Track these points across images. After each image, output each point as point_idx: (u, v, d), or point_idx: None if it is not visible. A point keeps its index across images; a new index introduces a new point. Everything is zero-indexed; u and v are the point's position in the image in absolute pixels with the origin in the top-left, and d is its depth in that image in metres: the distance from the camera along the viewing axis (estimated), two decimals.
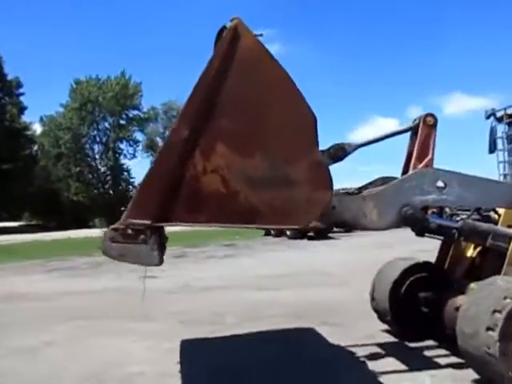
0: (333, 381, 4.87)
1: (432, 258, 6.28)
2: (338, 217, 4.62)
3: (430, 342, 5.79)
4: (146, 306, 8.14)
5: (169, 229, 3.99)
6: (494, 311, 4.06)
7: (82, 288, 11.49)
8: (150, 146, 61.55)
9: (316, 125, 3.84)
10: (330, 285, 10.54)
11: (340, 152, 4.82)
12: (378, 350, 5.68)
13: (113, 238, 3.52)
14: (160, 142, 63.45)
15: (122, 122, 61.42)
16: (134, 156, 62.18)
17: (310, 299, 8.89)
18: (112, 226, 3.58)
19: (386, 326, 6.40)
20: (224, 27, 3.97)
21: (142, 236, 3.48)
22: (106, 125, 61.31)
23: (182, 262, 16.30)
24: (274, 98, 3.71)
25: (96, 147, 61.63)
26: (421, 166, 5.11)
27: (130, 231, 3.47)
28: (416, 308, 5.78)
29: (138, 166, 66.06)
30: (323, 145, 4.37)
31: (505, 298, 4.08)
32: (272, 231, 25.19)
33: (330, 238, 23.85)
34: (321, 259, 15.37)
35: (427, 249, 12.77)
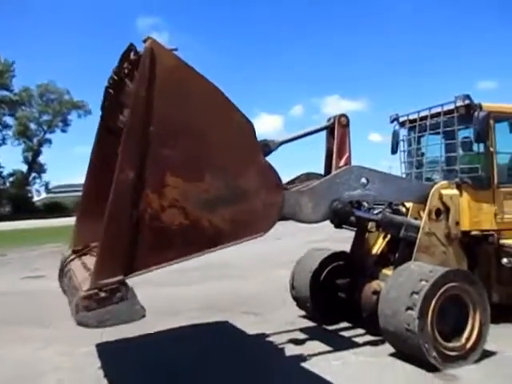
0: (267, 367, 5.08)
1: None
2: None
3: (345, 324, 6.36)
4: (48, 308, 7.64)
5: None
6: (413, 293, 4.65)
7: None
8: (23, 132, 55.31)
9: (254, 131, 3.91)
10: (239, 276, 10.80)
11: (265, 148, 5.01)
12: (301, 334, 6.05)
13: (87, 306, 3.11)
14: (34, 127, 57.47)
15: None
16: (2, 142, 55.40)
17: (224, 291, 9.06)
18: (83, 295, 3.16)
19: (303, 312, 6.84)
20: (131, 46, 3.76)
21: (119, 294, 3.17)
22: None
23: None
24: (208, 115, 3.64)
25: None
26: (341, 163, 5.60)
27: (103, 294, 3.12)
28: (334, 294, 6.30)
29: (8, 154, 59.03)
30: None
31: (420, 280, 4.71)
32: None
33: None
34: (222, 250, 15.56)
35: (315, 239, 13.78)
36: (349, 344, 5.61)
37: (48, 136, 57.80)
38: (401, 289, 4.82)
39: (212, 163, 3.64)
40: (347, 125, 5.68)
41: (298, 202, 4.89)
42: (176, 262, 3.52)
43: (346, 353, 5.30)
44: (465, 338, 4.83)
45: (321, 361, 5.10)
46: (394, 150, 7.21)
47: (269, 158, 5.17)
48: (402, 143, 7.10)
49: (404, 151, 7.04)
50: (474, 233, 6.03)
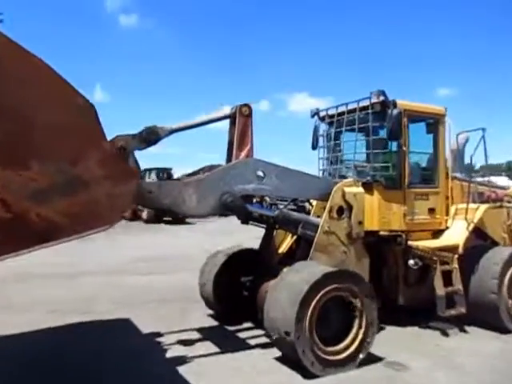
0: (142, 368, 4.76)
1: None
2: (155, 202, 4.52)
3: (249, 324, 6.08)
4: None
5: None
6: (291, 297, 4.36)
7: None
8: None
9: (97, 115, 3.45)
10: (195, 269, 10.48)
11: (152, 136, 4.69)
12: (195, 334, 5.73)
13: None
14: None
15: None
16: None
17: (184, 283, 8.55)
18: None
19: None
20: None
21: None
22: None
23: None
24: (37, 96, 3.16)
25: None
26: (242, 155, 5.30)
27: None
28: (238, 293, 6.02)
29: None
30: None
31: (300, 283, 4.41)
32: (126, 214, 23.76)
33: (187, 222, 23.67)
34: (182, 243, 15.23)
35: None
36: (239, 346, 5.31)
37: None
38: (282, 292, 4.56)
39: (41, 149, 3.21)
40: (250, 115, 5.37)
41: (181, 194, 4.59)
42: None
43: (227, 356, 5.01)
44: (349, 340, 4.60)
45: (200, 364, 4.79)
46: (314, 146, 6.96)
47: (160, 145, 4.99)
48: (321, 139, 6.86)
49: (322, 147, 6.80)
50: (382, 233, 5.84)
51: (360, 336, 4.62)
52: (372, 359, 4.75)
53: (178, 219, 22.60)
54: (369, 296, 4.69)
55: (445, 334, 5.77)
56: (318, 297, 4.37)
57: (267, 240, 6.28)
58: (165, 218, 22.90)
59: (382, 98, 5.73)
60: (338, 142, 6.64)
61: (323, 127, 6.85)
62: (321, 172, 6.72)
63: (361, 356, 4.61)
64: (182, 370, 4.60)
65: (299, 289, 4.35)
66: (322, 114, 6.75)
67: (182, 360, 4.84)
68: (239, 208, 4.90)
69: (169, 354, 5.07)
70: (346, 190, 5.44)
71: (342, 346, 4.56)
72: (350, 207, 5.43)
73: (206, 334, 5.74)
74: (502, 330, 5.77)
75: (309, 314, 4.33)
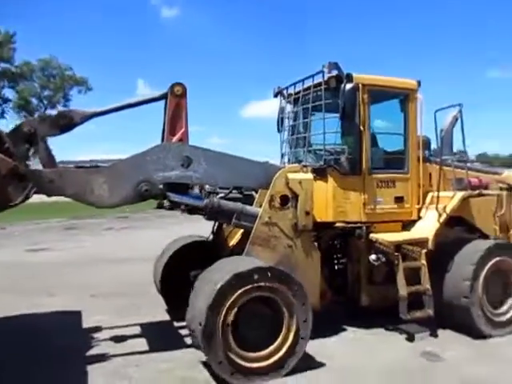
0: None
1: None
2: (58, 191, 4.15)
3: None
4: (48, 280, 8.18)
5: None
6: (205, 300, 3.88)
7: None
8: (23, 106, 55.19)
9: None
10: None
11: (64, 120, 4.34)
12: (133, 330, 5.43)
13: None
14: (35, 102, 57.43)
15: None
16: (1, 116, 55.22)
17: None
18: None
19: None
20: None
21: None
22: None
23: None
24: None
25: None
26: (174, 140, 4.83)
27: None
28: (188, 288, 5.60)
29: (8, 128, 58.36)
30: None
31: (215, 283, 3.92)
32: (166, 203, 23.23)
33: None
34: None
35: None
36: (177, 344, 4.93)
37: (49, 111, 57.41)
38: (199, 291, 4.12)
39: None
40: (183, 95, 4.87)
41: (89, 183, 4.20)
42: None
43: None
44: (275, 347, 4.07)
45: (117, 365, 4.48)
46: (278, 128, 6.37)
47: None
48: (286, 120, 6.26)
49: (287, 129, 6.19)
50: (338, 225, 5.24)
51: (288, 342, 4.09)
52: None
53: None
54: (298, 296, 4.13)
55: (410, 338, 5.13)
56: (232, 298, 3.87)
57: (218, 230, 5.83)
58: None
59: (334, 71, 5.08)
60: (295, 123, 6.02)
61: (289, 108, 6.24)
62: (280, 157, 6.15)
63: (289, 364, 4.08)
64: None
65: (211, 289, 3.88)
66: (285, 92, 6.15)
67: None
68: (157, 198, 4.46)
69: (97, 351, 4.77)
70: (290, 176, 4.86)
71: (266, 352, 4.05)
72: (296, 196, 4.85)
73: (148, 329, 5.44)
74: (475, 334, 5.07)
75: (221, 315, 3.84)
